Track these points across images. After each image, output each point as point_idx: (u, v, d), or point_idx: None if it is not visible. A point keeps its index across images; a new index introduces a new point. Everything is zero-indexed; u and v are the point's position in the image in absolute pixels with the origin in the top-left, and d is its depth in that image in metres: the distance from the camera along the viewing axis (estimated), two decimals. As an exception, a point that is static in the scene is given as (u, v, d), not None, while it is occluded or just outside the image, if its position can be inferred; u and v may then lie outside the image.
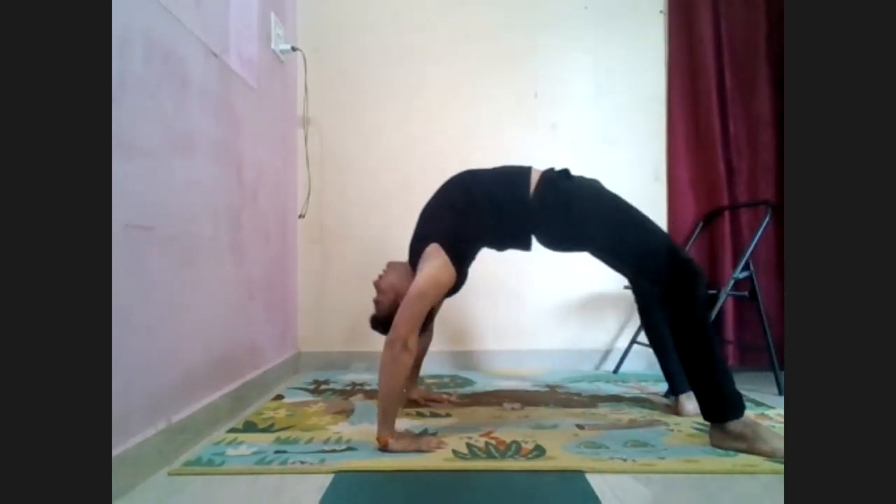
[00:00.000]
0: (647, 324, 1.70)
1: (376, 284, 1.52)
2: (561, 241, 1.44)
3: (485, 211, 1.41)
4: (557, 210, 1.37)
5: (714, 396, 1.30)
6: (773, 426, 1.47)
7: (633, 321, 2.37)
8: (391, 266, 1.55)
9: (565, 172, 1.43)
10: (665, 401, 1.77)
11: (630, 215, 1.38)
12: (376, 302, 1.51)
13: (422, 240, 1.42)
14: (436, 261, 1.36)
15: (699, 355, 1.30)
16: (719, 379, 1.30)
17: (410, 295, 1.32)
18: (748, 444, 1.27)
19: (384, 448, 1.27)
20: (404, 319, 1.30)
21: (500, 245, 1.51)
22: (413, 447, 1.28)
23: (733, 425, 1.29)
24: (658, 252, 1.34)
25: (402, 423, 1.48)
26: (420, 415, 1.60)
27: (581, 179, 1.44)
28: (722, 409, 1.30)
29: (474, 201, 1.42)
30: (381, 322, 1.48)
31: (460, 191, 1.47)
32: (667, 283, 1.33)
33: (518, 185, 1.40)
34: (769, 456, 1.24)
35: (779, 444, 1.25)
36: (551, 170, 1.45)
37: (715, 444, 1.32)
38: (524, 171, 1.44)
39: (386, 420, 1.29)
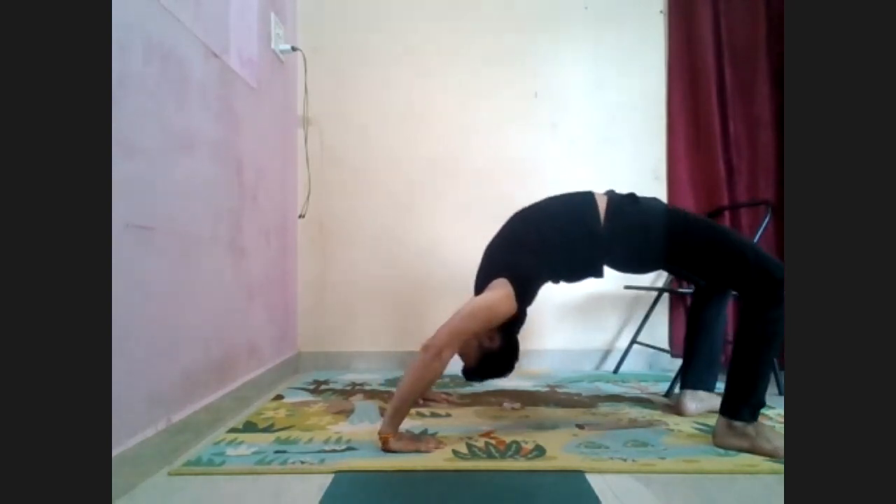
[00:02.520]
0: (699, 317, 1.68)
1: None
2: (637, 265, 1.45)
3: (557, 247, 1.40)
4: (631, 236, 1.39)
5: (745, 392, 1.30)
6: (774, 426, 1.47)
7: (634, 321, 2.38)
8: None
9: (632, 197, 1.44)
10: (665, 401, 1.77)
11: (711, 233, 1.39)
12: (462, 354, 1.45)
13: (489, 275, 1.41)
14: (500, 291, 1.35)
15: (759, 354, 1.30)
16: (760, 382, 1.30)
17: (464, 310, 1.32)
18: (751, 442, 1.27)
19: (384, 445, 1.27)
20: (448, 331, 1.29)
21: (571, 279, 1.50)
22: (412, 447, 1.28)
23: (741, 425, 1.29)
24: (745, 265, 1.32)
25: (402, 423, 1.49)
26: (420, 415, 1.60)
27: (648, 202, 1.45)
28: (745, 407, 1.30)
29: (545, 239, 1.41)
30: (473, 371, 1.48)
31: (530, 229, 1.45)
32: (754, 290, 1.32)
33: (588, 217, 1.40)
34: (771, 455, 1.24)
35: (780, 444, 1.25)
36: (614, 193, 1.47)
37: (718, 442, 1.31)
38: (589, 201, 1.44)
39: (394, 418, 1.29)
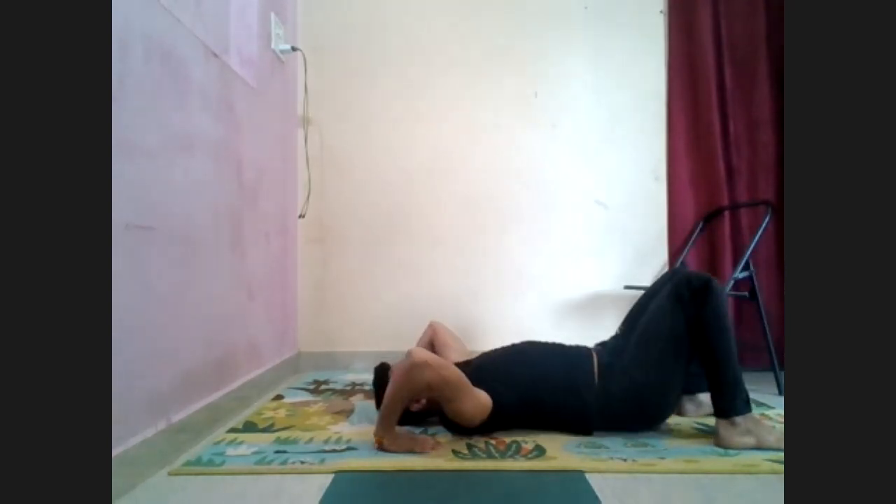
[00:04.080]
0: None
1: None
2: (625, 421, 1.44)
3: (547, 407, 1.41)
4: (623, 397, 1.40)
5: (732, 388, 1.33)
6: (774, 426, 1.47)
7: (633, 321, 2.38)
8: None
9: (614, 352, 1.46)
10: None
11: (651, 338, 1.43)
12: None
13: (478, 382, 1.39)
14: (485, 402, 1.36)
15: (725, 348, 1.34)
16: (738, 372, 1.34)
17: (455, 374, 1.31)
18: (756, 438, 1.29)
19: (379, 446, 1.28)
20: (438, 360, 1.30)
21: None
22: (407, 447, 1.28)
23: (742, 420, 1.31)
24: (681, 300, 1.38)
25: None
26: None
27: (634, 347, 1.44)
28: (737, 401, 1.32)
29: (538, 399, 1.41)
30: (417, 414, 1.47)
31: (527, 382, 1.43)
32: (687, 294, 1.37)
33: (583, 387, 1.40)
34: (775, 447, 1.27)
35: (778, 433, 1.29)
36: (603, 350, 1.48)
37: (723, 443, 1.32)
38: (586, 364, 1.44)
39: (384, 421, 1.29)
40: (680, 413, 1.60)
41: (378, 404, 1.51)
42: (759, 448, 1.28)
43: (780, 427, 1.33)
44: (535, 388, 1.41)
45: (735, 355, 1.35)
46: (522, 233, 2.37)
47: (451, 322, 2.32)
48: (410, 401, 1.35)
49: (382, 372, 1.51)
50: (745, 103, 2.34)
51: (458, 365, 1.42)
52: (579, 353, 1.49)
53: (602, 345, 1.55)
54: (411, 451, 1.27)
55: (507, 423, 1.42)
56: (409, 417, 1.46)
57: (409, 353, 1.30)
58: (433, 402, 1.44)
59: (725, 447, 1.31)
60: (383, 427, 1.29)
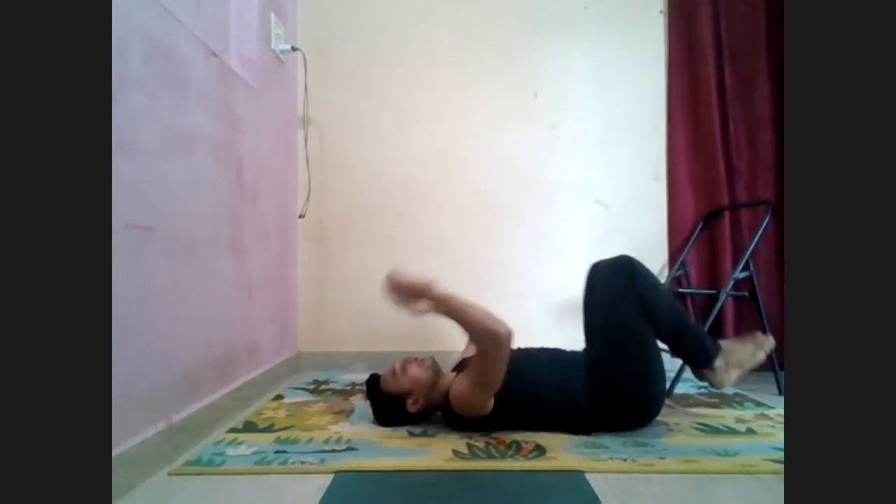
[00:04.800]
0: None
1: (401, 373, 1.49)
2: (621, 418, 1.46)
3: (546, 407, 1.42)
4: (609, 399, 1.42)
5: (695, 344, 1.45)
6: (773, 426, 1.47)
7: (633, 321, 2.37)
8: (419, 362, 1.51)
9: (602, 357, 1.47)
10: (665, 401, 1.76)
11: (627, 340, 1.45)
12: (403, 390, 1.46)
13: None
14: (488, 402, 1.38)
15: (672, 311, 1.44)
16: (692, 327, 1.46)
17: (476, 381, 1.35)
18: (739, 367, 1.43)
19: (426, 293, 1.31)
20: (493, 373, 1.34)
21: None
22: (409, 292, 1.33)
23: (718, 361, 1.44)
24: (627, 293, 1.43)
25: (401, 427, 1.49)
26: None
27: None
28: (707, 351, 1.44)
29: (539, 398, 1.42)
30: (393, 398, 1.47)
31: (529, 380, 1.44)
32: (617, 281, 1.44)
33: (580, 389, 1.42)
34: (760, 357, 1.46)
35: (755, 347, 1.46)
36: (587, 357, 1.49)
37: (723, 386, 1.43)
38: (580, 368, 1.46)
39: (451, 301, 1.31)
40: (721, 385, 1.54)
41: (376, 415, 1.50)
42: (752, 369, 1.45)
43: (754, 341, 1.48)
44: (537, 387, 1.42)
45: (681, 311, 1.45)
46: (522, 232, 2.37)
47: (451, 322, 2.32)
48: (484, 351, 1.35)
49: (374, 383, 1.51)
50: (745, 103, 2.34)
51: (470, 357, 1.49)
52: (574, 357, 1.51)
53: (586, 352, 1.54)
54: (408, 301, 1.32)
55: (508, 417, 1.41)
56: (409, 417, 1.46)
57: (496, 320, 1.31)
58: (431, 402, 1.45)
59: (724, 387, 1.46)
60: (444, 297, 1.31)
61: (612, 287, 1.43)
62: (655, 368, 1.42)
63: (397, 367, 1.48)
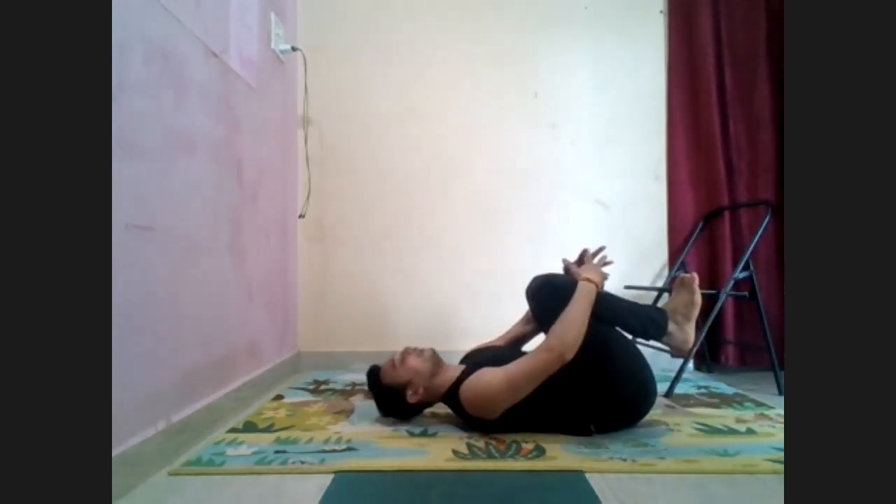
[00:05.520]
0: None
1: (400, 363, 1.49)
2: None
3: (546, 407, 1.40)
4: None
5: (645, 322, 1.50)
6: (774, 426, 1.48)
7: (633, 321, 2.37)
8: (418, 353, 1.51)
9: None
10: (665, 401, 1.77)
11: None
12: (402, 381, 1.46)
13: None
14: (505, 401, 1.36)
15: (611, 305, 1.47)
16: (630, 308, 1.50)
17: (513, 375, 1.35)
18: (686, 316, 1.51)
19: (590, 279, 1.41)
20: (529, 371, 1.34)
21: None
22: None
23: (671, 327, 1.50)
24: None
25: (400, 426, 1.49)
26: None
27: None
28: (658, 323, 1.50)
29: (540, 398, 1.38)
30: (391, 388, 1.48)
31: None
32: (533, 304, 1.54)
33: (577, 390, 1.40)
34: (697, 296, 1.51)
35: (685, 283, 1.53)
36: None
37: (684, 343, 1.51)
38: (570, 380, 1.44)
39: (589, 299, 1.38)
40: (678, 347, 1.58)
41: (378, 406, 1.52)
42: (694, 319, 1.50)
43: (683, 287, 1.53)
44: (539, 391, 1.41)
45: (613, 297, 1.50)
46: (523, 232, 2.37)
47: (451, 322, 2.33)
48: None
49: (375, 375, 1.51)
50: (745, 103, 2.34)
51: (481, 348, 1.60)
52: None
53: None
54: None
55: (515, 417, 1.38)
56: (407, 409, 1.46)
57: (579, 338, 1.33)
58: (432, 392, 1.46)
59: (688, 348, 1.54)
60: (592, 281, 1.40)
61: (551, 310, 1.39)
62: (627, 360, 1.41)
63: (396, 358, 1.49)
